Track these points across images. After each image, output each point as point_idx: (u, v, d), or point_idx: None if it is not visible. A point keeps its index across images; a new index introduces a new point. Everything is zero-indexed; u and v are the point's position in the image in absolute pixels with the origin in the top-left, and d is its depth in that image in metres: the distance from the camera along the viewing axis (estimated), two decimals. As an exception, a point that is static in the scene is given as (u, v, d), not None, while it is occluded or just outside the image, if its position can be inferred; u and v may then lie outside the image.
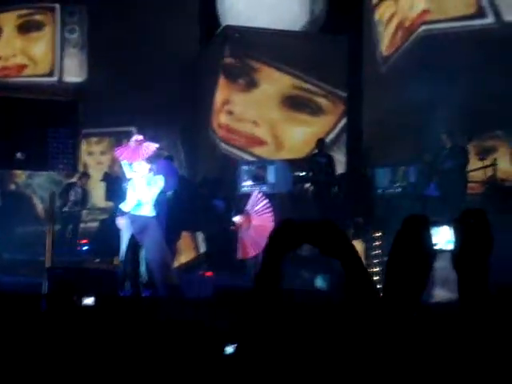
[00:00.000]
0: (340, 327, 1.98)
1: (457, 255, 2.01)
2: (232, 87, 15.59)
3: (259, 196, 10.06)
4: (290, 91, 15.55)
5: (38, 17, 16.23)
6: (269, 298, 2.28)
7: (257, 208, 9.86)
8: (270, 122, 15.49)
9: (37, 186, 15.43)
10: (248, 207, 9.96)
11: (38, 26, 16.15)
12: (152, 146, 10.06)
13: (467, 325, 1.92)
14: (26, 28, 16.05)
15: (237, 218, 10.05)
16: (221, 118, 15.61)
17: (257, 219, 9.85)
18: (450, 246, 1.99)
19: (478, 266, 1.97)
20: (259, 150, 15.21)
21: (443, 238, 2.01)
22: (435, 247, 2.04)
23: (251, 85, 15.55)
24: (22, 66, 16.00)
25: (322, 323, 2.08)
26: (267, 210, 9.96)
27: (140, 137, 10.20)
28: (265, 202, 9.99)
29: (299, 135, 15.48)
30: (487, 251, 1.99)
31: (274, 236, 2.29)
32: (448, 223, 2.02)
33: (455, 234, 2.02)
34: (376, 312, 1.94)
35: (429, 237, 2.01)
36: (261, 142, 15.42)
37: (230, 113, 15.47)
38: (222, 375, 3.31)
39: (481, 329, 1.91)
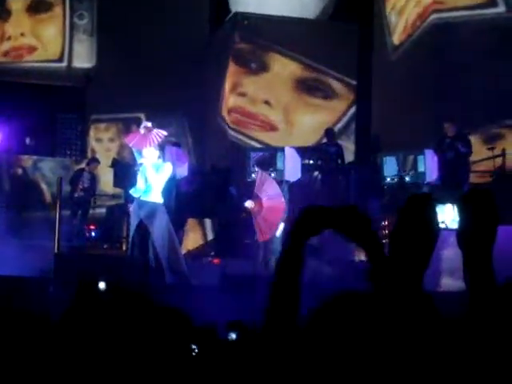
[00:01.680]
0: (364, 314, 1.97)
1: (462, 234, 1.99)
2: (242, 71, 15.56)
3: (264, 177, 10.11)
4: (302, 74, 15.52)
5: (46, -2, 16.22)
6: (290, 283, 2.28)
7: (267, 191, 9.92)
8: (282, 105, 15.45)
9: (45, 171, 15.45)
10: (256, 190, 10.01)
11: (47, 7, 16.12)
12: (161, 133, 10.07)
13: (474, 308, 1.91)
14: (34, 8, 16.03)
15: (248, 203, 10.08)
16: (232, 103, 15.55)
17: (268, 202, 9.92)
18: (455, 225, 2.00)
19: (484, 245, 1.95)
20: (269, 136, 15.18)
21: (448, 216, 2.01)
22: (439, 225, 2.02)
23: (262, 68, 15.53)
24: (32, 48, 15.98)
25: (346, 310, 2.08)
26: (277, 192, 10.04)
27: (149, 124, 10.21)
28: (273, 183, 10.06)
29: (310, 122, 15.44)
30: (493, 230, 1.97)
31: (298, 220, 2.30)
32: (452, 202, 2.02)
33: (460, 213, 2.00)
34: (400, 297, 1.93)
35: (433, 214, 1.99)
36: (273, 127, 15.39)
37: (243, 94, 15.44)
38: (224, 361, 3.30)
39: (488, 313, 1.90)
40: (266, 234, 9.94)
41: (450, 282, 8.89)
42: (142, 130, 10.11)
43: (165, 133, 10.22)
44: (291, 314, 2.24)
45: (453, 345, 1.90)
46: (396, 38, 14.91)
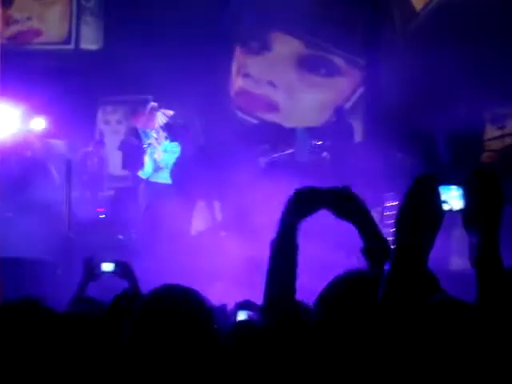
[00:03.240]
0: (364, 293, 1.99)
1: (467, 215, 1.99)
2: (246, 52, 15.54)
3: None
4: (304, 51, 15.47)
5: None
6: (286, 265, 2.28)
7: None
8: (285, 85, 15.42)
9: (53, 153, 15.44)
10: None
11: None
12: (167, 113, 10.05)
13: (482, 291, 1.91)
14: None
15: None
16: (238, 85, 15.54)
17: None
18: (460, 205, 1.99)
19: (489, 226, 1.95)
20: (276, 117, 15.14)
21: (453, 196, 2.00)
22: (445, 206, 2.02)
23: (264, 48, 15.49)
24: (38, 32, 15.94)
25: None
26: None
27: (155, 104, 10.21)
28: None
29: (315, 102, 15.39)
30: (498, 210, 1.96)
31: (291, 201, 2.31)
32: (458, 182, 2.01)
33: (465, 194, 2.00)
34: (394, 273, 1.94)
35: (438, 195, 2.00)
36: (276, 108, 15.36)
37: (247, 75, 15.43)
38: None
39: (496, 296, 1.89)
40: None
41: (460, 262, 8.87)
42: (147, 111, 10.11)
43: (171, 112, 10.21)
44: (288, 296, 2.25)
45: (460, 328, 1.90)
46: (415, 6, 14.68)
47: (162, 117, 10.08)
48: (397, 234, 1.99)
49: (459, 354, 1.87)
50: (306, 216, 2.33)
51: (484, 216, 1.96)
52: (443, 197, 1.98)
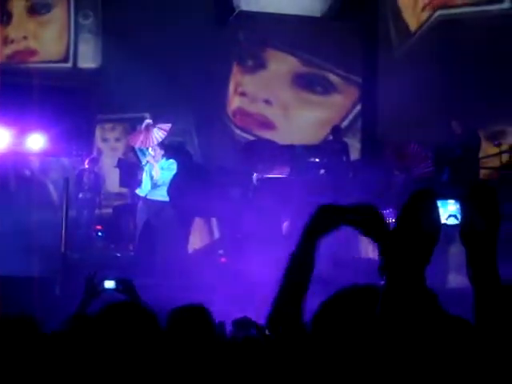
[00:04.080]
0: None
1: (464, 230, 1.97)
2: (243, 70, 15.59)
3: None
4: (300, 69, 15.53)
5: (47, -1, 16.18)
6: (300, 277, 2.32)
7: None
8: (281, 103, 15.47)
9: (51, 171, 15.46)
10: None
11: (48, 8, 16.08)
12: (164, 127, 10.09)
13: (479, 306, 1.91)
14: (35, 10, 15.99)
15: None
16: (235, 104, 15.59)
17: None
18: (457, 221, 1.99)
19: (487, 242, 1.94)
20: (272, 135, 15.18)
21: (450, 212, 1.99)
22: (442, 221, 2.01)
23: (260, 66, 15.55)
24: (34, 51, 15.96)
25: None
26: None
27: (150, 121, 10.24)
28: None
29: (311, 120, 15.44)
30: (496, 225, 1.95)
31: (314, 216, 2.33)
32: (455, 198, 2.01)
33: (463, 208, 2.00)
34: (416, 292, 1.94)
35: (435, 210, 1.98)
36: (272, 126, 15.40)
37: (243, 94, 15.48)
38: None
39: (493, 311, 1.89)
40: None
41: (458, 279, 8.87)
42: (143, 129, 10.13)
43: (167, 126, 10.23)
44: (296, 312, 2.26)
45: (458, 344, 1.90)
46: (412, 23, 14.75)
47: (158, 133, 10.09)
48: (393, 248, 2.00)
49: (458, 372, 1.87)
50: (328, 232, 2.34)
51: (482, 231, 1.95)
52: (440, 211, 1.98)
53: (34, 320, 2.97)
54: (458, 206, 1.99)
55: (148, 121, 10.50)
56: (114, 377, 2.23)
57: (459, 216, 1.99)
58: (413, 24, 14.62)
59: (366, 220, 2.29)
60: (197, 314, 3.21)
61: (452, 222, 2.00)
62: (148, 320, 2.35)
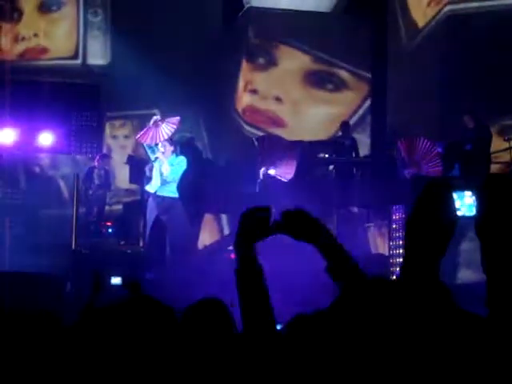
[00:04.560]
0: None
1: (480, 221, 1.93)
2: (253, 67, 15.56)
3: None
4: (311, 67, 15.49)
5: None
6: (254, 286, 2.25)
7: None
8: (292, 100, 15.43)
9: (61, 168, 15.49)
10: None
11: (58, 5, 16.09)
12: (171, 123, 10.08)
13: (492, 297, 1.88)
14: (45, 7, 16.01)
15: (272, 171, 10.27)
16: (245, 101, 15.57)
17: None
18: (473, 212, 1.96)
19: (502, 233, 1.89)
20: (283, 132, 15.16)
21: (466, 203, 1.97)
22: (458, 212, 1.97)
23: (271, 63, 15.52)
24: (45, 49, 15.99)
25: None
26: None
27: (158, 117, 10.25)
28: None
29: (321, 116, 15.41)
30: (510, 217, 1.90)
31: (240, 226, 2.29)
32: (471, 189, 1.98)
33: (478, 199, 1.95)
34: (358, 286, 1.91)
35: (451, 201, 1.94)
36: (282, 124, 15.38)
37: (254, 91, 15.46)
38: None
39: (507, 301, 1.86)
40: None
41: (468, 275, 8.85)
42: (152, 126, 10.14)
43: (175, 119, 10.22)
44: (265, 316, 2.19)
45: (472, 338, 1.86)
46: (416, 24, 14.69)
47: (166, 127, 10.09)
48: (408, 241, 1.94)
49: (471, 368, 1.83)
50: (259, 240, 2.27)
51: (497, 223, 1.90)
52: (456, 203, 1.91)
53: (55, 315, 2.98)
54: (473, 197, 1.97)
55: (156, 117, 10.49)
56: (134, 370, 2.23)
57: (475, 206, 1.94)
58: (420, 20, 14.57)
59: (295, 225, 2.22)
60: (217, 308, 3.20)
61: (467, 213, 1.98)
62: (166, 313, 2.34)
